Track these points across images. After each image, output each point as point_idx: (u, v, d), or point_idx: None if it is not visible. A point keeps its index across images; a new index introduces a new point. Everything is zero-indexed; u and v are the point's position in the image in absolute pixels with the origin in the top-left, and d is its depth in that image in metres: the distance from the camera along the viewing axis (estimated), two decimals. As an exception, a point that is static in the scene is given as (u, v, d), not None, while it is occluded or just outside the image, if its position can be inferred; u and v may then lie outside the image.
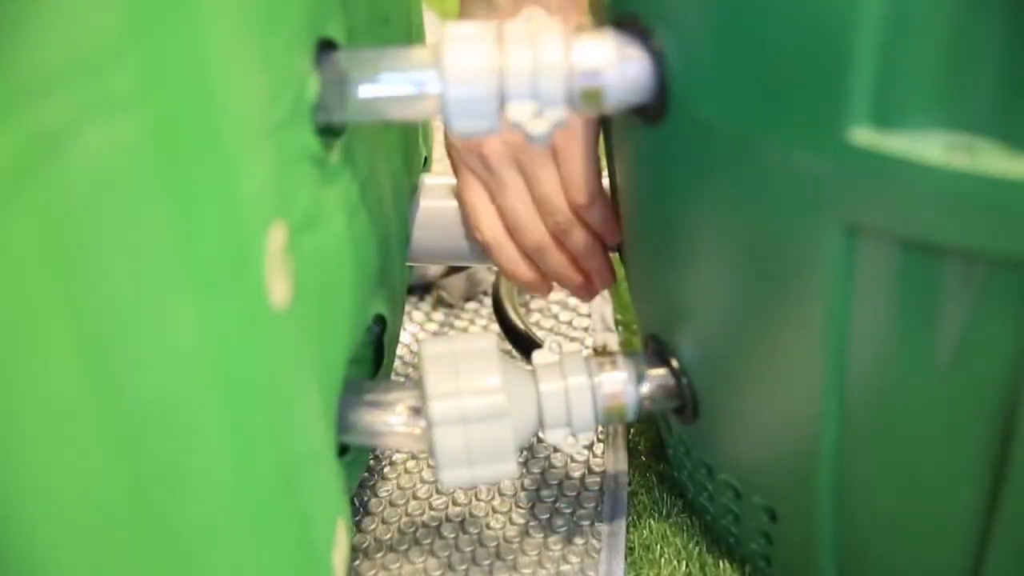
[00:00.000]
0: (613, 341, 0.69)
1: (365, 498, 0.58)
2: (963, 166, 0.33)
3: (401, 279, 0.60)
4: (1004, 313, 0.36)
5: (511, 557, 0.54)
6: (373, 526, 0.56)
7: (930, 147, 0.34)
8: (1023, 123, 0.33)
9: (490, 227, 0.54)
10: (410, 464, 0.60)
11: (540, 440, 0.61)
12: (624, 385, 0.49)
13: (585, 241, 0.54)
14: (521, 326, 0.67)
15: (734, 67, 0.38)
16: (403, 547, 0.55)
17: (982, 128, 0.34)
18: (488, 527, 0.56)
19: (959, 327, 0.37)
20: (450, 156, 0.54)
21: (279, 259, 0.35)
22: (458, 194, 0.55)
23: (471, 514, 0.56)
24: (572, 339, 0.69)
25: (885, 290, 0.38)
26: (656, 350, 0.50)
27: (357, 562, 0.54)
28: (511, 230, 0.54)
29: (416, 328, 0.71)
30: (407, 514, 0.57)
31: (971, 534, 0.41)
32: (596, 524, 0.55)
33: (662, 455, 0.59)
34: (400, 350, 0.65)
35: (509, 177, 0.52)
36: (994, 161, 0.33)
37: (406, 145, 0.59)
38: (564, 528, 0.55)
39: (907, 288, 0.37)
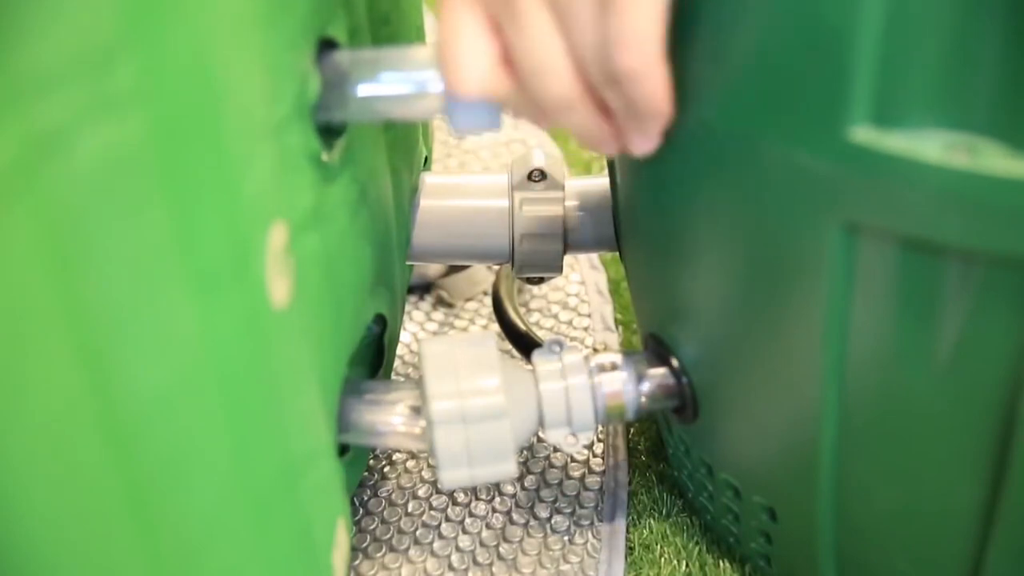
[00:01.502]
0: (613, 341, 0.69)
1: (365, 497, 0.58)
2: (963, 165, 0.33)
3: (402, 279, 0.60)
4: (1003, 312, 0.36)
5: (511, 556, 0.54)
6: (373, 525, 0.56)
7: (930, 147, 0.34)
8: (1023, 123, 0.33)
9: (481, 69, 0.38)
10: (410, 464, 0.60)
11: (540, 440, 0.61)
12: (624, 384, 0.49)
13: (626, 107, 0.39)
14: (521, 326, 0.67)
15: (734, 67, 0.38)
16: (403, 546, 0.55)
17: (982, 128, 0.34)
18: (488, 526, 0.56)
19: (959, 326, 0.37)
20: None
21: (280, 259, 0.35)
22: (441, 29, 0.39)
23: (471, 513, 0.56)
24: (572, 339, 0.69)
25: (885, 289, 0.38)
26: (656, 349, 0.50)
27: (357, 561, 0.54)
28: (525, 77, 0.38)
29: (416, 328, 0.71)
30: (407, 513, 0.57)
31: (971, 533, 0.41)
32: (596, 523, 0.55)
33: (662, 454, 0.59)
34: (400, 350, 0.65)
35: (535, 13, 0.37)
36: (994, 161, 0.33)
37: (407, 144, 0.59)
38: (564, 527, 0.55)
39: (907, 287, 0.37)
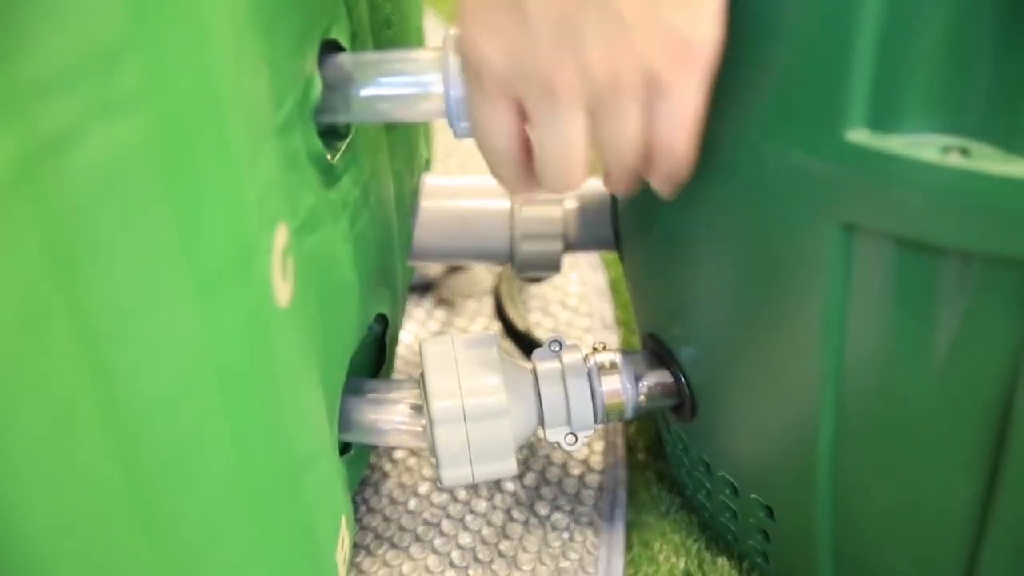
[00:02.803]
0: (613, 341, 0.69)
1: (367, 495, 0.58)
2: (958, 166, 0.34)
3: (403, 278, 0.60)
4: (999, 312, 0.36)
5: (512, 553, 0.54)
6: (375, 523, 0.56)
7: (926, 148, 0.34)
8: (1017, 124, 0.34)
9: (510, 153, 0.40)
10: (411, 462, 0.60)
11: (540, 438, 0.61)
12: (623, 383, 0.50)
13: (654, 172, 0.41)
14: (521, 326, 0.67)
15: (734, 70, 0.38)
16: (404, 543, 0.55)
17: (977, 129, 0.34)
18: (489, 524, 0.56)
19: (955, 326, 0.37)
20: (468, 62, 0.38)
21: (282, 259, 0.35)
22: (474, 112, 0.40)
23: (472, 511, 0.57)
24: (572, 339, 0.69)
25: (882, 289, 0.38)
26: (655, 349, 0.51)
27: (359, 558, 0.54)
28: (547, 166, 0.40)
29: (417, 327, 0.71)
30: (408, 511, 0.57)
31: (967, 531, 0.41)
32: (595, 521, 0.56)
33: (661, 453, 0.60)
34: (401, 349, 0.65)
35: (572, 118, 0.37)
36: (989, 161, 0.34)
37: (408, 146, 0.59)
38: (564, 525, 0.56)
39: (903, 287, 0.37)
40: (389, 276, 0.54)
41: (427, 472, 0.60)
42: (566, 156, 0.39)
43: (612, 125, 0.38)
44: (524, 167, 0.41)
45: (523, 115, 0.39)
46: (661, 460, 0.59)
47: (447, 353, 0.48)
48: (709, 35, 0.36)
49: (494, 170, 0.42)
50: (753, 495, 0.48)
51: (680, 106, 0.37)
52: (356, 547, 0.55)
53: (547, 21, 0.35)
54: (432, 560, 0.54)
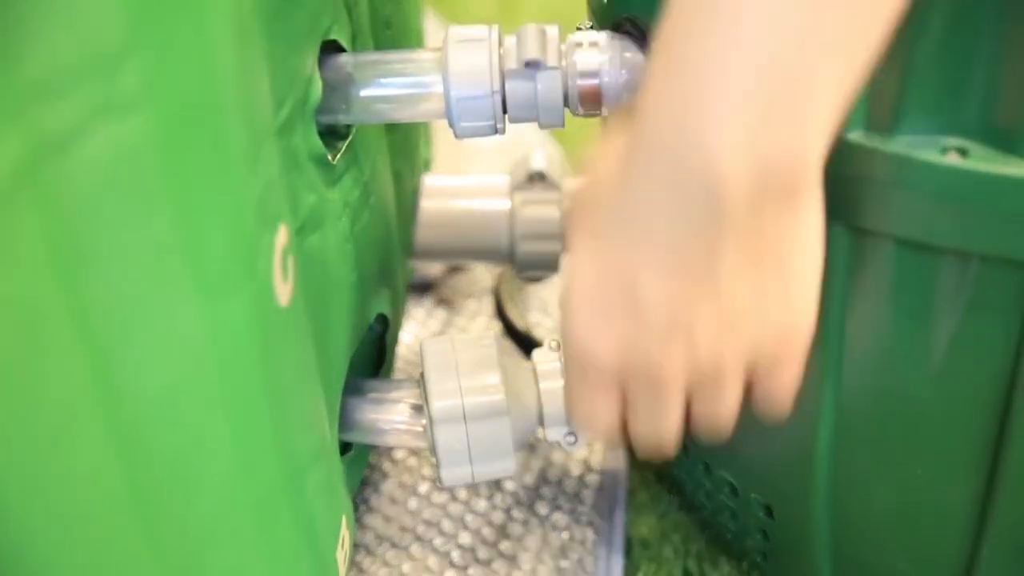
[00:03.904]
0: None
1: (367, 495, 0.58)
2: (957, 166, 0.34)
3: (403, 278, 0.60)
4: (998, 312, 0.36)
5: (511, 553, 0.54)
6: (375, 522, 0.56)
7: (925, 148, 0.34)
8: (1015, 124, 0.34)
9: (608, 432, 0.40)
10: (411, 462, 0.60)
11: (540, 438, 0.61)
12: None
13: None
14: (521, 326, 0.67)
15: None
16: (405, 543, 0.55)
17: (976, 130, 0.34)
18: (489, 523, 0.56)
19: (954, 326, 0.37)
20: (574, 354, 0.38)
21: (282, 259, 0.35)
22: (573, 396, 0.40)
23: (472, 510, 0.57)
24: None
25: (881, 289, 0.38)
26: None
27: (359, 557, 0.54)
28: (633, 434, 0.40)
29: (417, 327, 0.71)
30: (408, 510, 0.57)
31: (965, 530, 0.41)
32: (595, 520, 0.56)
33: (661, 452, 0.60)
34: (401, 349, 0.65)
35: (672, 404, 0.38)
36: (987, 162, 0.34)
37: (408, 146, 0.59)
38: (564, 524, 0.56)
39: (903, 287, 0.38)
40: (389, 276, 0.54)
41: (427, 472, 0.60)
42: (661, 433, 0.39)
43: (708, 404, 0.38)
44: (618, 435, 0.40)
45: (623, 398, 0.39)
46: (660, 460, 0.59)
47: (447, 353, 0.48)
48: (810, 323, 0.36)
49: (585, 426, 0.42)
50: (752, 495, 0.49)
51: (779, 383, 0.38)
52: (356, 546, 0.55)
53: (661, 315, 0.35)
54: (432, 559, 0.54)
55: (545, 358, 0.50)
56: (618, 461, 0.60)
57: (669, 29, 0.32)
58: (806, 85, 0.31)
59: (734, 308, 0.35)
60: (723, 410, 0.38)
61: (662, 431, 0.39)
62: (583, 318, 0.37)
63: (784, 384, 0.38)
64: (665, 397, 0.37)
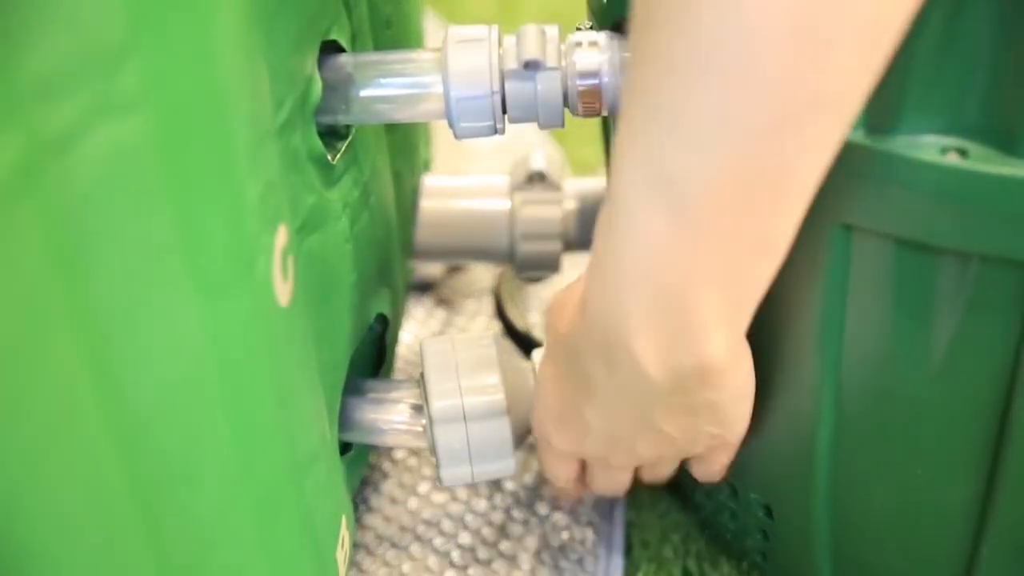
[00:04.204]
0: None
1: (367, 494, 0.58)
2: (956, 166, 0.34)
3: (403, 278, 0.60)
4: (998, 312, 0.36)
5: (511, 553, 0.54)
6: (375, 522, 0.57)
7: (924, 149, 0.34)
8: (1015, 125, 0.34)
9: (568, 483, 0.49)
10: (411, 462, 0.60)
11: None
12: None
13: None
14: (521, 326, 0.67)
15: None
16: (404, 543, 0.55)
17: (975, 130, 0.34)
18: (489, 523, 0.56)
19: (953, 326, 0.37)
20: (539, 434, 0.46)
21: (282, 259, 0.35)
22: (541, 456, 0.48)
23: (472, 510, 0.57)
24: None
25: (880, 289, 0.38)
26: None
27: (359, 557, 0.54)
28: (591, 484, 0.49)
29: (417, 327, 0.71)
30: (408, 510, 0.57)
31: (965, 531, 0.41)
32: (595, 521, 0.56)
33: (660, 453, 0.60)
34: (401, 349, 0.65)
35: (621, 474, 0.48)
36: (987, 162, 0.34)
37: (408, 146, 0.59)
38: (564, 524, 0.56)
39: (902, 287, 0.38)
40: (389, 276, 0.54)
41: (427, 472, 0.60)
42: (614, 489, 0.49)
43: (651, 474, 0.48)
44: (578, 483, 0.49)
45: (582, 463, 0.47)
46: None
47: (447, 353, 0.48)
48: (741, 432, 0.43)
49: (550, 480, 0.50)
50: (752, 495, 0.49)
51: (711, 467, 0.46)
52: (356, 546, 0.55)
53: (604, 440, 0.42)
54: (432, 559, 0.54)
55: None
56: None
57: (595, 245, 0.36)
58: (689, 307, 0.34)
59: (670, 433, 0.40)
60: (665, 475, 0.49)
61: (614, 489, 0.49)
62: (545, 419, 0.45)
63: (716, 467, 0.46)
64: (614, 472, 0.47)
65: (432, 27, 0.81)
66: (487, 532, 0.55)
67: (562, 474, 0.48)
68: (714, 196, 0.31)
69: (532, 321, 0.70)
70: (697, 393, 0.37)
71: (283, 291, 0.35)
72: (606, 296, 0.35)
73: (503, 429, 0.47)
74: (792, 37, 0.28)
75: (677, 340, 0.35)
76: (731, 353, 0.36)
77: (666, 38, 0.30)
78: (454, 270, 0.74)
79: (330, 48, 0.44)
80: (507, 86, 0.43)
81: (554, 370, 0.42)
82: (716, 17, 0.29)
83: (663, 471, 0.48)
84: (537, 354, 0.50)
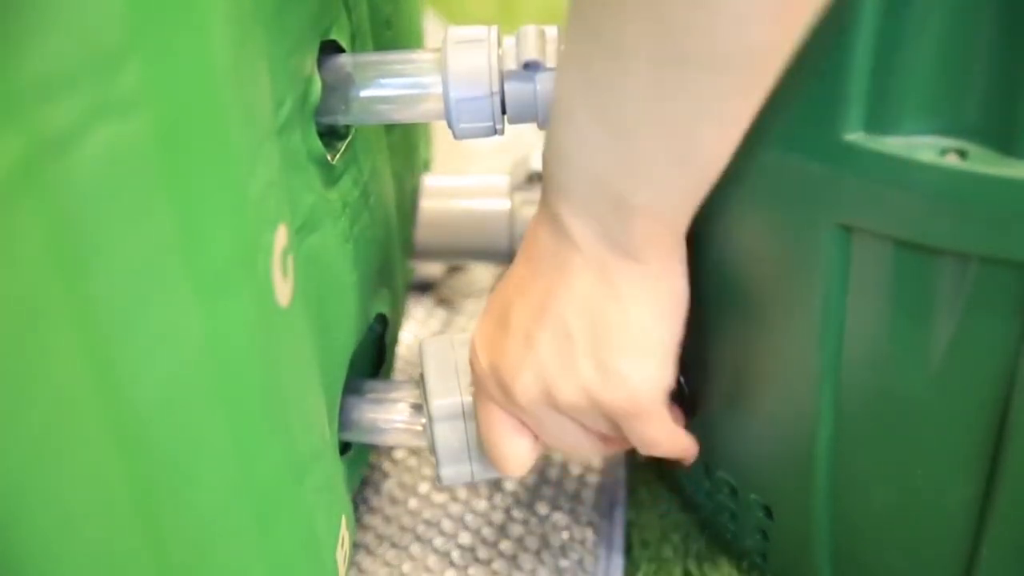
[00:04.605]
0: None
1: (367, 494, 0.58)
2: (956, 168, 0.34)
3: (403, 278, 0.60)
4: (997, 313, 0.36)
5: (511, 553, 0.54)
6: (375, 522, 0.57)
7: (923, 150, 0.34)
8: (1014, 126, 0.34)
9: (525, 458, 0.45)
10: (411, 461, 0.60)
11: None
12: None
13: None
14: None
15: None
16: (405, 543, 0.55)
17: (974, 131, 0.34)
18: (489, 523, 0.56)
19: (952, 327, 0.37)
20: (476, 377, 0.44)
21: (282, 259, 0.35)
22: (483, 433, 0.46)
23: (472, 510, 0.57)
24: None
25: (879, 290, 0.38)
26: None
27: (359, 557, 0.54)
28: (560, 450, 0.49)
29: (417, 327, 0.71)
30: (408, 510, 0.57)
31: (965, 531, 0.41)
32: (595, 521, 0.56)
33: (660, 453, 0.60)
34: (401, 349, 0.65)
35: (559, 420, 0.43)
36: (986, 163, 0.34)
37: (408, 146, 0.60)
38: (564, 524, 0.56)
39: (901, 288, 0.37)
40: (389, 276, 0.54)
41: (427, 472, 0.60)
42: (570, 445, 0.45)
43: (582, 430, 0.44)
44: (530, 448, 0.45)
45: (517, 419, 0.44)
46: (660, 459, 0.59)
47: (446, 352, 0.48)
48: (649, 389, 0.41)
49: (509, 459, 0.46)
50: (752, 495, 0.49)
51: (643, 435, 0.42)
52: (356, 546, 0.55)
53: (518, 334, 0.41)
54: (432, 559, 0.54)
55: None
56: (618, 461, 0.60)
57: (547, 136, 0.40)
58: (624, 199, 0.37)
59: (577, 352, 0.40)
60: (597, 435, 0.44)
61: (565, 446, 0.45)
62: (477, 335, 0.44)
63: (650, 438, 0.43)
64: (527, 414, 0.43)
65: (432, 27, 0.81)
66: (487, 532, 0.55)
67: (516, 447, 0.45)
68: (644, 115, 0.35)
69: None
70: (617, 270, 0.39)
71: (283, 291, 0.35)
72: (554, 180, 0.39)
73: (503, 429, 0.47)
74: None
75: (607, 224, 0.38)
76: (657, 256, 0.39)
77: None
78: (454, 270, 0.75)
79: (330, 48, 0.44)
80: (506, 87, 0.43)
81: (490, 306, 0.44)
82: None
83: (595, 436, 0.44)
84: None
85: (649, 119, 0.35)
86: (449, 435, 0.47)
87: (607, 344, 0.40)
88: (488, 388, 0.43)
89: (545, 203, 0.41)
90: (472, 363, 0.44)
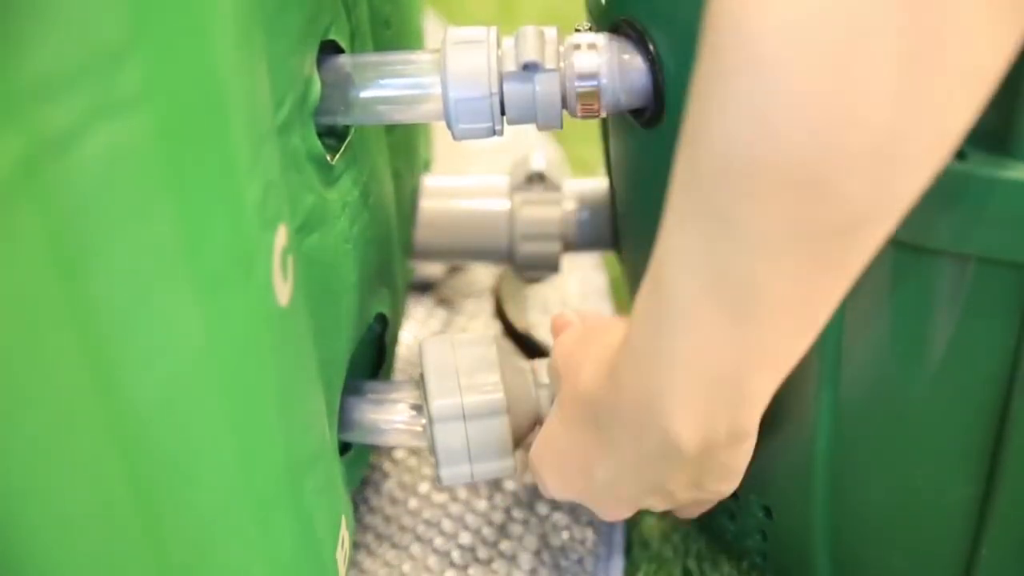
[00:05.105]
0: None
1: (367, 494, 0.58)
2: (954, 169, 0.34)
3: (403, 278, 0.60)
4: (996, 314, 0.36)
5: (511, 553, 0.54)
6: (375, 522, 0.57)
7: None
8: (1012, 128, 0.34)
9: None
10: (411, 462, 0.60)
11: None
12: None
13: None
14: (521, 326, 0.67)
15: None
16: (405, 543, 0.55)
17: (972, 133, 0.34)
18: (489, 523, 0.56)
19: (951, 327, 0.37)
20: (536, 475, 0.45)
21: (282, 259, 0.35)
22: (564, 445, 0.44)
23: (472, 510, 0.57)
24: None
25: (878, 291, 0.38)
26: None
27: (359, 557, 0.54)
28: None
29: (417, 327, 0.71)
30: (409, 510, 0.57)
31: (965, 530, 0.42)
32: (595, 521, 0.56)
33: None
34: (401, 349, 0.65)
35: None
36: (983, 164, 0.34)
37: (408, 147, 0.60)
38: (564, 524, 0.56)
39: (900, 289, 0.38)
40: (389, 276, 0.54)
41: (427, 472, 0.60)
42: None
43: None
44: None
45: None
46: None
47: (446, 352, 0.48)
48: (736, 485, 0.41)
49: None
50: (752, 496, 0.49)
51: (697, 510, 0.46)
52: (356, 546, 0.55)
53: (606, 490, 0.41)
54: (432, 559, 0.54)
55: (544, 357, 0.50)
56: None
57: (634, 328, 0.37)
58: (741, 391, 0.35)
59: (674, 495, 0.40)
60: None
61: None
62: (545, 459, 0.43)
63: (699, 511, 0.46)
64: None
65: (432, 27, 0.81)
66: (487, 532, 0.55)
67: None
68: (779, 297, 0.32)
69: (532, 321, 0.70)
70: (718, 458, 0.38)
71: (283, 291, 0.35)
72: (647, 376, 0.36)
73: (502, 428, 0.47)
74: (872, 156, 0.29)
75: (723, 419, 0.36)
76: (756, 424, 0.37)
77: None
78: (454, 270, 0.75)
79: (330, 48, 0.44)
80: (506, 88, 0.43)
81: (567, 421, 0.42)
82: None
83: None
84: (540, 364, 0.50)
85: (785, 301, 0.32)
86: (449, 435, 0.47)
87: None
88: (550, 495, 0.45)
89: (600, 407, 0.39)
90: (537, 475, 0.44)
